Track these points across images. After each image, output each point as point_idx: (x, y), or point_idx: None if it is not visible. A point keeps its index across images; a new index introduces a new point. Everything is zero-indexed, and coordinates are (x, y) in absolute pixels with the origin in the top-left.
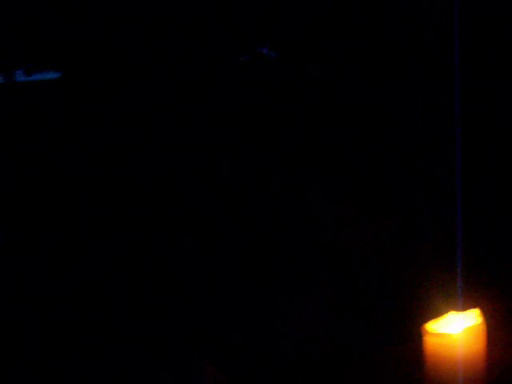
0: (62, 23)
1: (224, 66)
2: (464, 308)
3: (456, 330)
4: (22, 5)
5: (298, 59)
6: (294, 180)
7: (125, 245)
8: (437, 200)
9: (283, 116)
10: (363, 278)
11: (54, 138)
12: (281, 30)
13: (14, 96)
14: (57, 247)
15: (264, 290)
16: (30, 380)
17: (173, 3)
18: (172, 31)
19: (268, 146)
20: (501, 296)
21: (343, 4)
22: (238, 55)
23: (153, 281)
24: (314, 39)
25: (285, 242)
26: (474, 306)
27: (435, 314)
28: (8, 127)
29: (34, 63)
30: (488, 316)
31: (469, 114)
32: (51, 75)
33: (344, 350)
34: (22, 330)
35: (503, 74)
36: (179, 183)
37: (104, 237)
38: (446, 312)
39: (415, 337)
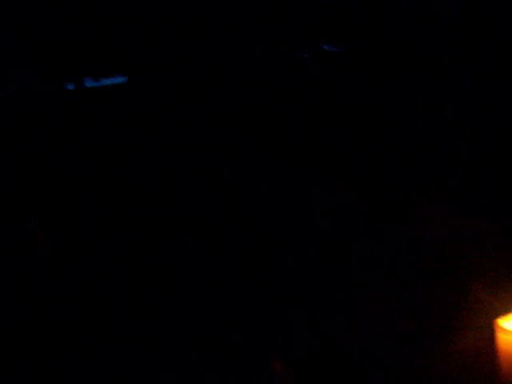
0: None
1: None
2: None
3: None
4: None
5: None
6: None
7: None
8: None
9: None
10: (433, 270)
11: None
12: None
13: (85, 101)
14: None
15: (330, 287)
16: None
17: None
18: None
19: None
20: None
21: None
22: (299, 51)
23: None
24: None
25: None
26: None
27: (509, 309)
28: (79, 132)
29: (101, 69)
30: None
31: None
32: (119, 80)
33: (413, 344)
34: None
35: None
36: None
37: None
38: None
39: (487, 332)
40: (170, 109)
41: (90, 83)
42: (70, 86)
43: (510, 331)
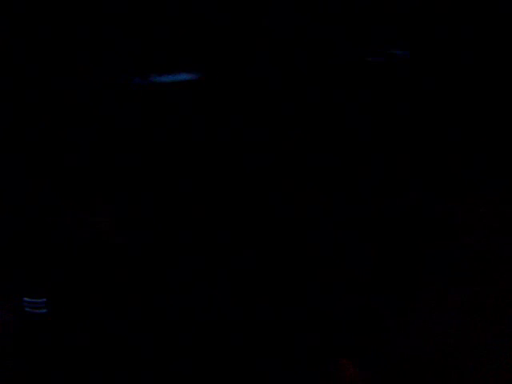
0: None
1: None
2: None
3: None
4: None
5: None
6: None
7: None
8: None
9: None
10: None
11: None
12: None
13: (150, 97)
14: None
15: (404, 292)
16: None
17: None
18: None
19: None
20: None
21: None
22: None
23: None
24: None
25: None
26: None
27: None
28: (146, 127)
29: (168, 65)
30: None
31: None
32: (184, 77)
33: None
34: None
35: None
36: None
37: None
38: None
39: None
40: (236, 108)
41: (156, 78)
42: (137, 81)
43: None
